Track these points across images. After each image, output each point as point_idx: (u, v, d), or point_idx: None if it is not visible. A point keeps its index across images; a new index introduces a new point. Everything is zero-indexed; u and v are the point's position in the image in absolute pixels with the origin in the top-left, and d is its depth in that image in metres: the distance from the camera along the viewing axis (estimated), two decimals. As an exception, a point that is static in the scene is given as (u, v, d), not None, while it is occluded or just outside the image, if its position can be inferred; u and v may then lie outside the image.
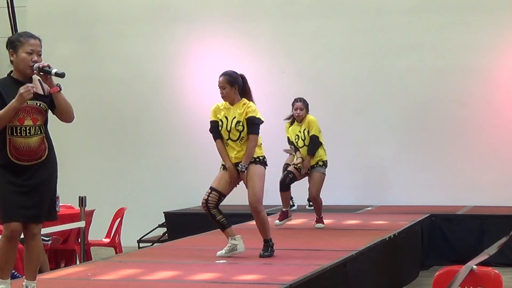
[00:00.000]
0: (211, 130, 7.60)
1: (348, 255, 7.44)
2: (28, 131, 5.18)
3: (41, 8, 14.94)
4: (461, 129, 13.47)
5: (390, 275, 9.12)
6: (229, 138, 7.48)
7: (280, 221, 9.97)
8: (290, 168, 9.96)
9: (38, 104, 5.24)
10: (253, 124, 7.43)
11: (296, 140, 9.89)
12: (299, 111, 9.90)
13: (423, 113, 13.58)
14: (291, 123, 10.01)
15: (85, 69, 14.65)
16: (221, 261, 7.27)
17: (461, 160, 13.44)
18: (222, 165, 7.62)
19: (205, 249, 8.20)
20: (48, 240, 9.06)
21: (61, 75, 5.20)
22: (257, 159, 7.48)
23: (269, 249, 7.55)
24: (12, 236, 5.19)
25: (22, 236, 5.36)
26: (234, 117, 7.45)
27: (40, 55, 5.29)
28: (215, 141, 7.59)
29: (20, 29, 14.11)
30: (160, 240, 12.47)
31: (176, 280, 6.42)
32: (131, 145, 14.59)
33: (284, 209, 9.99)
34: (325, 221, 10.27)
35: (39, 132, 5.22)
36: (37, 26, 14.48)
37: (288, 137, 10.02)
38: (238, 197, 12.87)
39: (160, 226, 13.06)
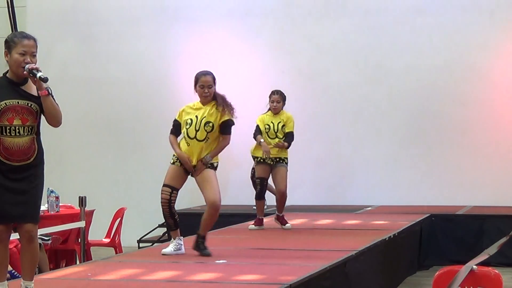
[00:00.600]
0: (174, 126, 7.76)
1: (348, 255, 7.44)
2: (17, 131, 5.17)
3: (41, 8, 14.93)
4: (461, 129, 13.47)
5: (390, 275, 9.12)
6: (195, 137, 7.53)
7: (255, 226, 9.95)
8: (260, 174, 9.85)
9: (29, 105, 5.21)
10: (228, 126, 7.56)
11: (267, 130, 9.78)
12: (276, 103, 9.86)
13: (423, 113, 13.57)
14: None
15: (85, 69, 14.64)
16: (221, 261, 7.27)
17: (461, 160, 13.44)
18: (174, 161, 7.66)
19: (205, 249, 8.18)
20: (48, 240, 9.06)
21: (43, 80, 5.16)
22: (213, 165, 7.57)
23: (205, 246, 7.60)
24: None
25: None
26: (204, 117, 7.51)
27: (34, 56, 5.30)
28: (170, 135, 7.77)
29: (20, 29, 14.13)
30: (160, 240, 12.47)
31: (176, 280, 6.41)
32: (131, 145, 14.59)
33: (260, 217, 9.99)
34: (325, 221, 10.25)
35: (29, 133, 5.21)
36: (37, 26, 14.49)
37: (257, 126, 9.86)
38: (238, 197, 12.90)
39: (160, 226, 13.05)
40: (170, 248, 7.69)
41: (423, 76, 13.60)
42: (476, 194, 13.22)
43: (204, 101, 7.64)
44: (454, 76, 13.52)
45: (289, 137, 9.79)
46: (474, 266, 5.66)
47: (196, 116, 7.56)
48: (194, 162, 7.54)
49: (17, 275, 8.33)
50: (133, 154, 14.57)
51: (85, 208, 9.28)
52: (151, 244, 12.33)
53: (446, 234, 11.58)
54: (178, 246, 7.70)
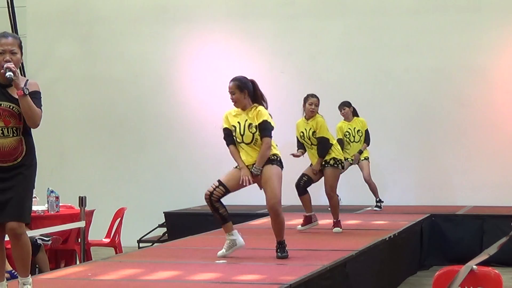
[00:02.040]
0: (225, 137, 7.60)
1: (348, 255, 7.44)
2: (1, 132, 5.18)
3: (41, 8, 14.93)
4: (461, 129, 13.48)
5: (390, 275, 9.12)
6: (243, 141, 7.49)
7: (302, 226, 9.90)
8: (305, 171, 9.80)
9: (11, 107, 5.20)
10: (265, 128, 7.43)
11: (302, 136, 9.73)
12: (314, 106, 9.78)
13: (423, 113, 13.58)
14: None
15: (85, 69, 14.64)
16: (221, 261, 7.26)
17: (461, 160, 13.44)
18: (236, 166, 7.60)
19: (205, 249, 8.20)
20: (48, 240, 9.06)
21: (8, 79, 5.09)
22: (273, 158, 7.44)
23: (285, 250, 7.52)
24: None
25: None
26: (246, 120, 7.48)
27: (14, 53, 5.20)
28: (228, 147, 7.59)
29: (20, 29, 14.12)
30: (160, 240, 12.47)
31: (176, 280, 6.41)
32: (131, 145, 14.59)
33: (306, 214, 9.91)
34: (325, 221, 10.23)
35: (14, 134, 5.19)
36: (37, 26, 14.50)
37: (297, 137, 9.80)
38: (238, 197, 12.88)
39: (160, 226, 13.06)
40: (222, 249, 7.57)
41: (423, 76, 13.60)
42: (476, 194, 13.22)
43: (244, 107, 7.52)
44: (454, 77, 13.52)
45: (321, 146, 9.65)
46: (474, 266, 5.65)
47: (239, 122, 7.50)
48: (251, 167, 7.43)
49: (17, 275, 8.33)
50: (133, 154, 14.58)
51: (85, 208, 9.27)
52: (151, 244, 12.34)
53: (446, 234, 11.58)
54: (231, 242, 7.57)
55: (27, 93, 5.09)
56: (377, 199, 12.60)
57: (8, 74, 5.08)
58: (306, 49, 14.05)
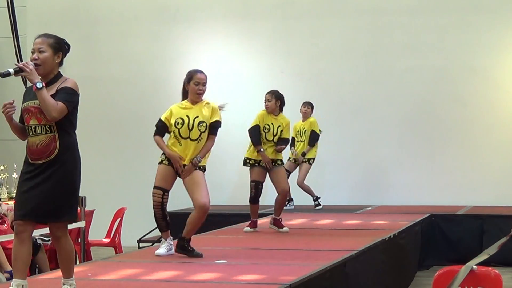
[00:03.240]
0: (158, 129, 7.61)
1: (348, 255, 7.43)
2: (33, 130, 5.27)
3: (41, 8, 14.93)
4: (461, 129, 13.48)
5: (390, 275, 9.12)
6: (188, 137, 7.45)
7: (250, 228, 9.82)
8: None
9: (38, 104, 5.26)
10: (216, 127, 7.49)
11: (266, 130, 9.56)
12: (267, 102, 9.65)
13: (423, 113, 13.58)
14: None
15: (85, 69, 14.63)
16: (221, 261, 7.26)
17: (461, 160, 13.44)
18: (162, 159, 7.58)
19: (205, 249, 8.18)
20: (48, 240, 9.07)
21: (4, 74, 5.25)
22: (201, 167, 7.50)
23: (192, 247, 7.57)
24: (16, 232, 5.29)
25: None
26: (197, 117, 7.46)
27: (42, 52, 5.39)
28: (154, 136, 7.61)
29: (20, 29, 14.13)
30: (160, 240, 12.45)
31: (176, 280, 6.41)
32: (131, 145, 14.59)
33: (254, 219, 9.88)
34: (325, 221, 10.23)
35: (48, 131, 5.26)
36: (37, 26, 14.48)
37: (257, 127, 9.62)
38: (238, 197, 12.90)
39: (160, 226, 13.03)
40: (163, 249, 7.67)
41: (423, 76, 13.60)
42: (476, 194, 13.22)
43: (195, 100, 7.54)
44: (454, 77, 13.52)
45: (286, 142, 9.67)
46: (474, 266, 5.66)
47: (188, 116, 7.48)
48: (186, 161, 7.46)
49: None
50: (133, 154, 14.58)
51: (85, 208, 9.27)
52: (151, 244, 12.32)
53: (446, 234, 11.58)
54: (170, 246, 7.69)
55: (39, 87, 5.18)
56: (314, 198, 12.59)
57: (10, 69, 5.22)
58: (306, 49, 14.04)
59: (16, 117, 5.36)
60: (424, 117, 13.58)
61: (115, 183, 14.51)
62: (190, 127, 7.43)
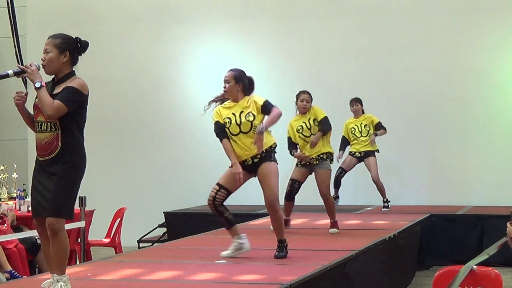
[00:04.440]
0: (217, 131, 7.46)
1: (348, 255, 7.43)
2: (40, 126, 5.39)
3: (41, 8, 14.94)
4: (461, 129, 13.48)
5: (390, 275, 9.12)
6: (240, 131, 7.37)
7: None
8: (294, 176, 9.66)
9: None
10: (269, 104, 7.33)
11: (301, 130, 9.65)
12: (306, 102, 9.73)
13: (423, 113, 13.58)
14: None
15: (85, 69, 14.49)
16: (221, 261, 7.26)
17: (461, 160, 13.44)
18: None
19: (205, 249, 8.20)
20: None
21: (2, 75, 5.40)
22: (270, 151, 7.35)
23: (284, 249, 7.47)
24: (38, 232, 5.46)
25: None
26: (242, 111, 7.40)
27: (48, 52, 5.52)
28: (221, 141, 7.45)
29: (20, 29, 14.14)
30: (160, 240, 12.47)
31: (176, 280, 6.41)
32: (131, 145, 14.60)
33: (285, 218, 9.88)
34: (325, 221, 10.21)
35: (52, 129, 5.37)
36: (37, 26, 14.50)
37: (289, 138, 9.66)
38: (238, 197, 12.87)
39: (160, 226, 13.06)
40: (228, 250, 7.49)
41: (423, 76, 13.61)
42: (476, 194, 13.22)
43: (236, 98, 7.44)
44: (454, 77, 13.52)
45: (324, 124, 9.48)
46: (474, 266, 5.66)
47: (233, 114, 7.41)
48: (249, 160, 7.34)
49: (17, 275, 8.33)
50: (133, 154, 14.58)
51: (85, 208, 9.27)
52: (151, 244, 12.33)
53: (446, 234, 11.58)
54: (238, 245, 7.48)
55: (38, 86, 5.31)
56: (384, 199, 12.59)
57: (9, 71, 5.40)
58: (306, 49, 14.05)
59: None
60: (424, 117, 13.58)
61: (115, 183, 14.51)
62: (238, 122, 7.37)
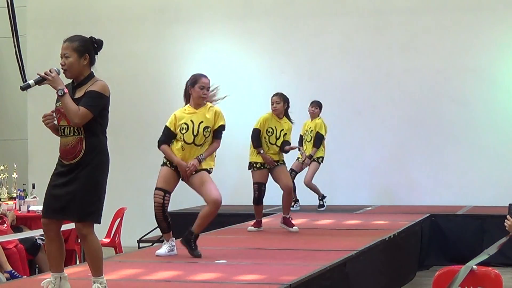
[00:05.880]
0: (163, 137, 7.64)
1: (348, 255, 7.44)
2: (63, 130, 5.40)
3: (41, 8, 14.92)
4: (461, 129, 13.47)
5: (390, 275, 9.12)
6: (193, 142, 7.44)
7: (254, 227, 9.76)
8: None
9: None
10: (221, 131, 7.49)
11: (270, 134, 9.50)
12: (275, 104, 9.57)
13: (423, 113, 13.58)
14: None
15: (85, 69, 14.64)
16: (221, 261, 7.27)
17: (461, 160, 13.44)
18: (165, 161, 7.60)
19: (205, 249, 8.18)
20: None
21: (25, 86, 5.46)
22: (207, 171, 7.49)
23: (196, 245, 7.54)
24: (44, 231, 5.50)
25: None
26: (201, 122, 7.44)
27: (67, 57, 5.53)
28: (160, 147, 7.63)
29: (20, 29, 14.14)
30: (160, 240, 12.46)
31: (176, 280, 6.42)
32: (131, 145, 14.59)
33: (258, 219, 9.82)
34: (325, 221, 10.22)
35: (76, 133, 5.37)
36: (37, 26, 14.49)
37: (258, 131, 9.51)
38: (238, 197, 12.90)
39: (160, 226, 13.04)
40: (164, 249, 7.66)
41: (423, 76, 13.60)
42: (476, 194, 13.22)
43: (199, 104, 7.53)
44: (454, 77, 13.52)
45: (289, 144, 9.58)
46: (474, 266, 5.66)
47: (192, 121, 7.46)
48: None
49: (17, 275, 8.33)
50: (133, 154, 14.57)
51: (85, 208, 9.25)
52: (151, 244, 12.32)
53: (446, 234, 11.57)
54: (171, 247, 7.67)
55: (61, 94, 5.29)
56: (320, 197, 12.52)
57: (30, 81, 5.39)
58: (306, 49, 14.05)
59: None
60: (424, 117, 13.58)
61: (115, 183, 14.46)
62: (195, 133, 7.43)
